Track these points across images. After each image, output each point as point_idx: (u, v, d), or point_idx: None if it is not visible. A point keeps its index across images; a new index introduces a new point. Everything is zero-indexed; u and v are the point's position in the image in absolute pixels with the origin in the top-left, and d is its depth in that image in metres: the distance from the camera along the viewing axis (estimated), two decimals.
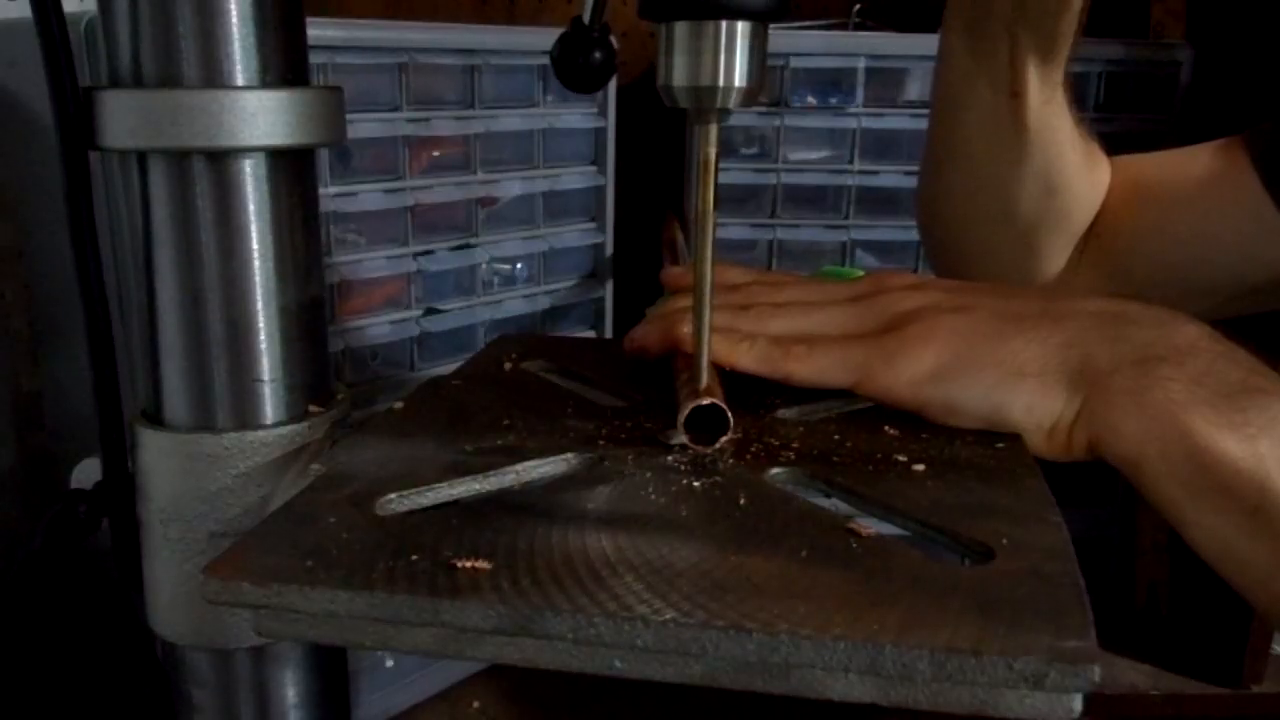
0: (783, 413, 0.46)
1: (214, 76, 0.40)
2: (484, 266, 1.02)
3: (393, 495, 0.37)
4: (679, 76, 0.38)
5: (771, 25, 0.38)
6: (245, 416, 0.43)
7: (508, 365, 0.53)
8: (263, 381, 0.43)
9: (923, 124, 1.12)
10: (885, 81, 1.14)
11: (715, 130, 0.39)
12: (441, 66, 0.95)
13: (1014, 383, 0.42)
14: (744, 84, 0.38)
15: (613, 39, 0.52)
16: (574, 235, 1.11)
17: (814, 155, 1.18)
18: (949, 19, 0.63)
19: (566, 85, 0.53)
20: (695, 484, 0.38)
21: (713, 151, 0.39)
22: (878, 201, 1.16)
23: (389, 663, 0.99)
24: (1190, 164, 0.67)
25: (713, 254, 0.41)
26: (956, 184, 0.68)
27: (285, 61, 0.41)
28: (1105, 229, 0.69)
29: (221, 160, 0.40)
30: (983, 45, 0.61)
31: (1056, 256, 0.68)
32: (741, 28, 0.37)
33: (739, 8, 0.36)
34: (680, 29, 0.37)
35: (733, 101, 0.38)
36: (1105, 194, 0.69)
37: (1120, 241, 0.68)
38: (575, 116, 1.08)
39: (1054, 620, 0.29)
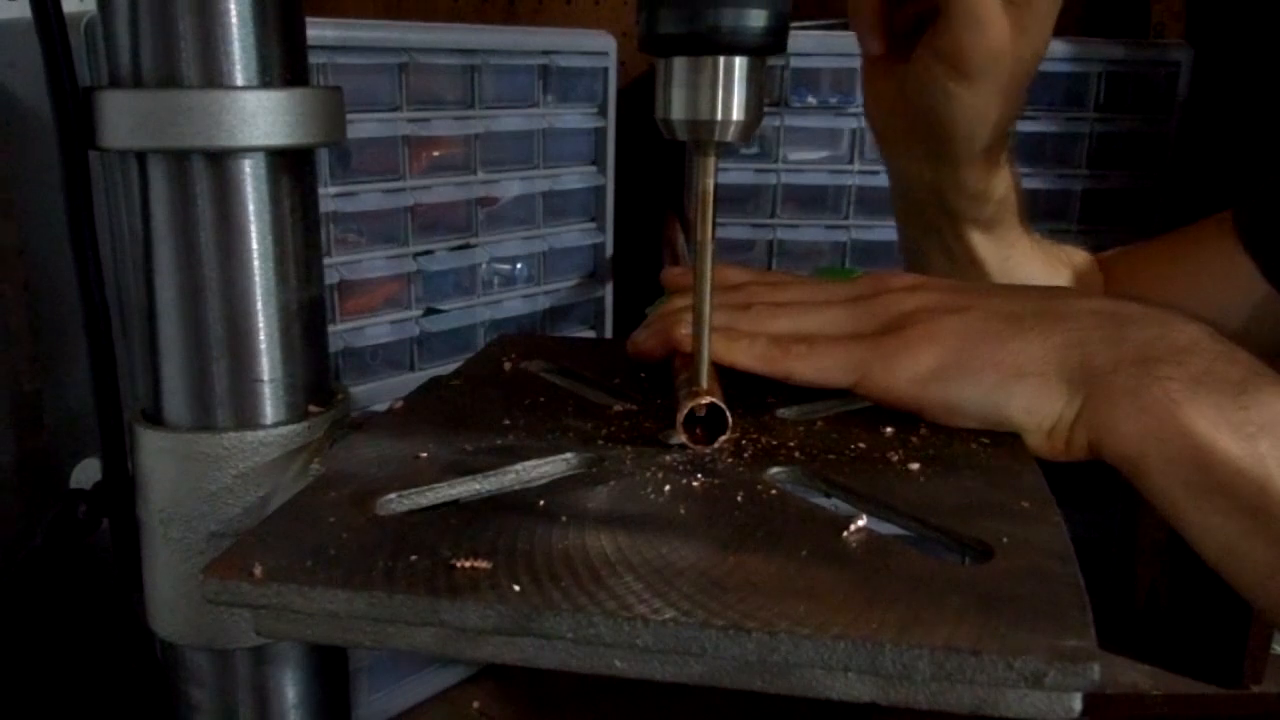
0: (782, 412, 0.46)
1: (214, 76, 0.40)
2: (484, 266, 1.02)
3: (392, 495, 0.37)
4: (677, 110, 0.38)
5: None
6: (245, 416, 0.43)
7: (508, 365, 0.53)
8: (263, 381, 0.43)
9: None
10: None
11: (713, 163, 0.40)
12: (441, 66, 0.95)
13: (1014, 383, 0.42)
14: (742, 118, 0.38)
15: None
16: (574, 235, 1.11)
17: (814, 155, 1.17)
18: (892, 202, 0.65)
19: None
20: (694, 484, 0.38)
21: (711, 184, 0.40)
22: (878, 201, 1.16)
23: (389, 663, 0.99)
24: (1179, 246, 0.68)
25: (711, 283, 0.41)
26: None
27: (285, 61, 0.41)
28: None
29: (221, 160, 0.40)
30: (927, 232, 0.63)
31: None
32: (739, 63, 0.37)
33: (737, 44, 0.37)
34: (679, 64, 0.38)
35: (731, 135, 0.38)
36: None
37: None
38: (575, 116, 1.07)
39: (1054, 619, 0.29)
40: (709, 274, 0.41)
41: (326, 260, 0.87)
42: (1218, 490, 0.38)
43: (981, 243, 0.62)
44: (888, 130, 0.60)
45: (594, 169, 1.11)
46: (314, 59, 0.83)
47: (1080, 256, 0.69)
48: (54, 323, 0.85)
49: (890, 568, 0.32)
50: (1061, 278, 0.66)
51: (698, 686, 0.30)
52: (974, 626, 0.29)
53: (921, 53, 0.54)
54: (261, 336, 0.43)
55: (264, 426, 0.43)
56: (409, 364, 0.98)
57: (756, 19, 0.37)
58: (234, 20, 0.39)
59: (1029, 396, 0.42)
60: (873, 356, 0.44)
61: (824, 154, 1.17)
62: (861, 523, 0.35)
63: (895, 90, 0.56)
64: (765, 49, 0.37)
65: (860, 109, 1.13)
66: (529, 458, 0.41)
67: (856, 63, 0.60)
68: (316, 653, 0.46)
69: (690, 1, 0.36)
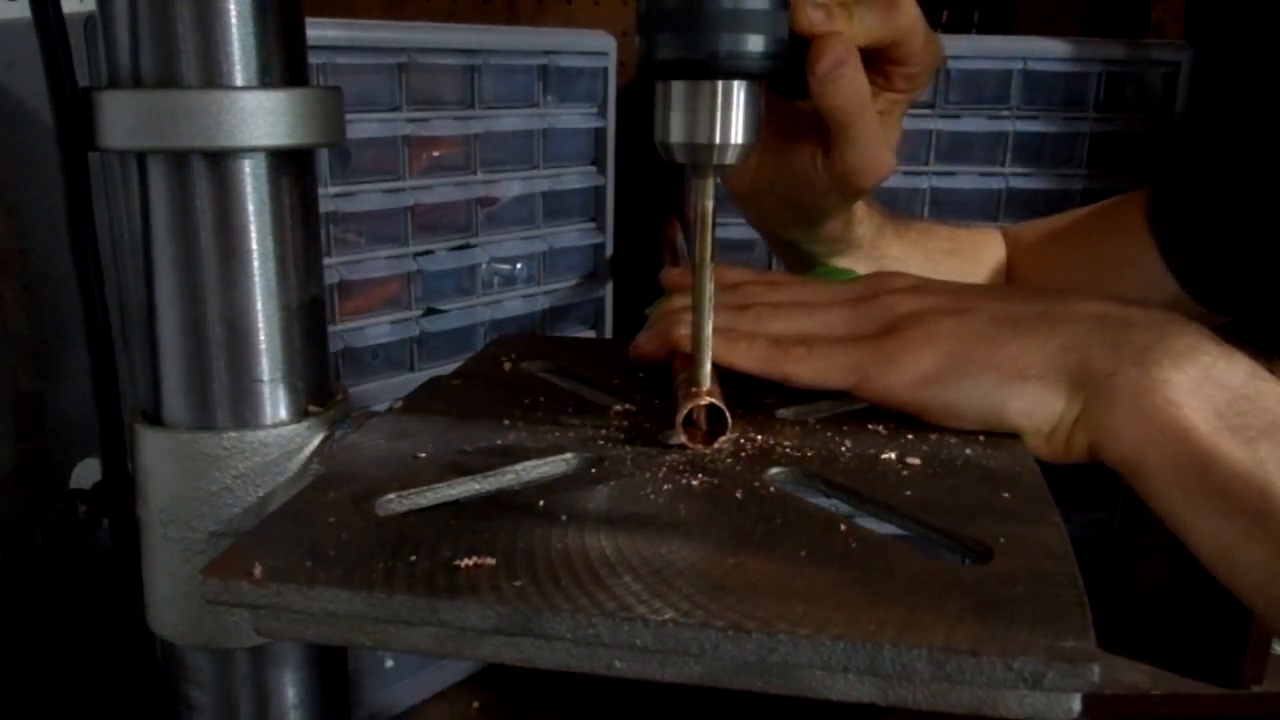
0: (781, 413, 0.46)
1: (213, 76, 0.40)
2: (484, 266, 1.02)
3: (392, 495, 0.37)
4: (676, 134, 0.39)
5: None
6: (245, 416, 0.43)
7: (507, 365, 0.53)
8: (262, 381, 0.43)
9: (923, 124, 1.13)
10: None
11: (712, 184, 0.40)
12: (441, 66, 0.95)
13: (1014, 386, 0.42)
14: (740, 141, 0.38)
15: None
16: (574, 235, 1.11)
17: None
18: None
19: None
20: (694, 484, 0.38)
21: (710, 205, 0.40)
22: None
23: (389, 663, 0.99)
24: (1093, 228, 0.71)
25: (711, 297, 0.41)
26: None
27: (285, 61, 0.41)
28: (1016, 279, 0.72)
29: (221, 160, 0.40)
30: (793, 262, 0.65)
31: None
32: (738, 87, 0.38)
33: (735, 69, 0.37)
34: (677, 88, 0.38)
35: (729, 158, 0.39)
36: (1005, 259, 0.73)
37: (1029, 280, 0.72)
38: (575, 116, 1.07)
39: (1053, 620, 0.29)
40: (708, 293, 0.41)
41: (326, 260, 0.87)
42: (1217, 494, 0.38)
43: (849, 265, 0.63)
44: (744, 195, 0.61)
45: (594, 169, 1.11)
46: (314, 59, 0.83)
47: (985, 242, 0.72)
48: (54, 323, 0.85)
49: (889, 568, 0.32)
50: (940, 268, 0.67)
51: (698, 687, 0.30)
52: (973, 627, 0.29)
53: (809, 160, 0.55)
54: (261, 336, 0.43)
55: (264, 426, 0.43)
56: (409, 364, 0.98)
57: (755, 44, 0.37)
58: (234, 20, 0.39)
59: (1029, 399, 0.42)
60: (872, 359, 0.44)
61: None
62: (861, 523, 0.35)
63: (756, 166, 0.58)
64: (763, 73, 0.37)
65: None
66: (529, 458, 0.41)
67: None
68: (316, 653, 0.46)
69: (688, 27, 0.36)
